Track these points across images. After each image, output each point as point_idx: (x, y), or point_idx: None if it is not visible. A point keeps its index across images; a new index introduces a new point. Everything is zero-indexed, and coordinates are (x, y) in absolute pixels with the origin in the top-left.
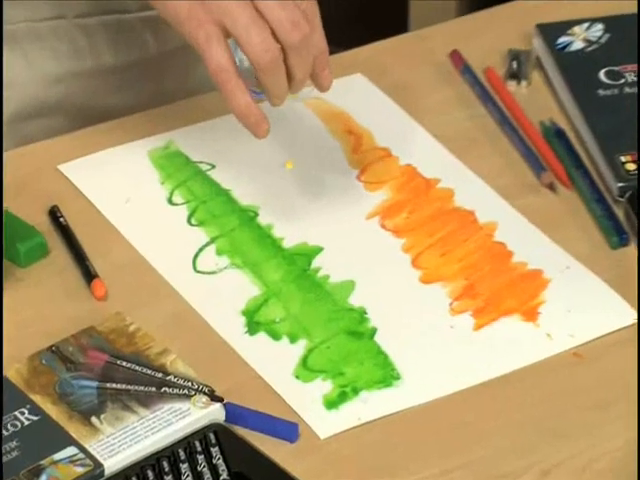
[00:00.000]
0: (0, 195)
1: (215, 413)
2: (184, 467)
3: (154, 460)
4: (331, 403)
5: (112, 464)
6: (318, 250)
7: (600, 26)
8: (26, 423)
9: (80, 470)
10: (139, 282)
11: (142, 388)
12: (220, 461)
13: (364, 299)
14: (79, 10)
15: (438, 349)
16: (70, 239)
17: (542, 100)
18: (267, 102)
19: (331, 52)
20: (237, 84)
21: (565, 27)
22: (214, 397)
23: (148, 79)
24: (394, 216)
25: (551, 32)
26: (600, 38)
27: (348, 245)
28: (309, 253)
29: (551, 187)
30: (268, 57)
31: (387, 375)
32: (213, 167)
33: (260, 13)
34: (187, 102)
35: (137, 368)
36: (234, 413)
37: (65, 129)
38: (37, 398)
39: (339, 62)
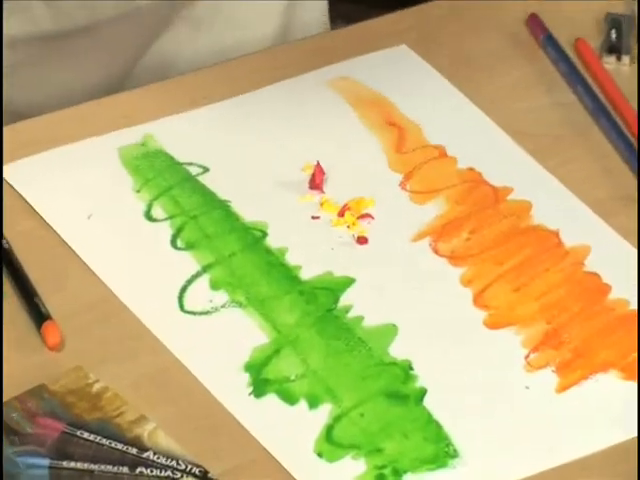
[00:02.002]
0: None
1: None
2: None
3: None
4: None
5: None
6: (348, 282)
7: None
8: None
9: None
10: (106, 326)
11: (110, 468)
12: None
13: (410, 349)
14: None
15: (509, 417)
16: (14, 269)
17: None
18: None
19: (367, 16)
20: None
21: None
22: None
23: (99, 49)
24: (451, 237)
25: None
26: None
27: (388, 276)
28: (335, 287)
29: None
30: None
31: (440, 452)
32: (206, 170)
33: None
34: (173, 82)
35: (104, 441)
36: None
37: None
38: None
39: (377, 29)
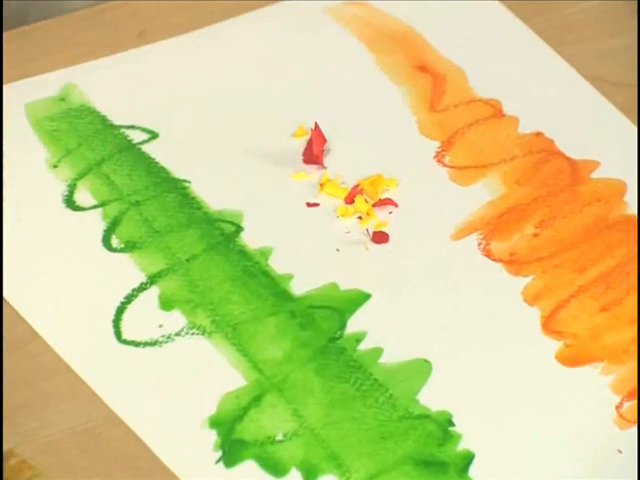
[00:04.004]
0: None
1: None
2: None
3: None
4: None
5: None
6: (359, 299)
7: None
8: None
9: None
10: (10, 363)
11: None
12: None
13: (449, 396)
14: None
15: None
16: None
17: None
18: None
19: None
20: None
21: None
22: None
23: None
24: (510, 233)
25: None
26: None
27: (417, 289)
28: (341, 306)
29: None
30: None
31: None
32: (154, 137)
33: None
34: (101, 9)
35: None
36: None
37: None
38: None
39: None
